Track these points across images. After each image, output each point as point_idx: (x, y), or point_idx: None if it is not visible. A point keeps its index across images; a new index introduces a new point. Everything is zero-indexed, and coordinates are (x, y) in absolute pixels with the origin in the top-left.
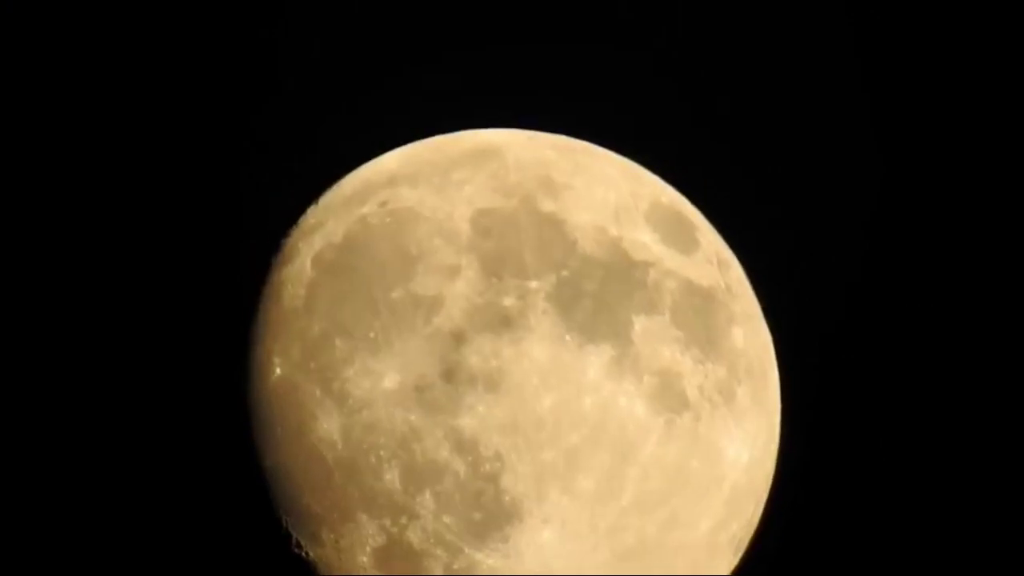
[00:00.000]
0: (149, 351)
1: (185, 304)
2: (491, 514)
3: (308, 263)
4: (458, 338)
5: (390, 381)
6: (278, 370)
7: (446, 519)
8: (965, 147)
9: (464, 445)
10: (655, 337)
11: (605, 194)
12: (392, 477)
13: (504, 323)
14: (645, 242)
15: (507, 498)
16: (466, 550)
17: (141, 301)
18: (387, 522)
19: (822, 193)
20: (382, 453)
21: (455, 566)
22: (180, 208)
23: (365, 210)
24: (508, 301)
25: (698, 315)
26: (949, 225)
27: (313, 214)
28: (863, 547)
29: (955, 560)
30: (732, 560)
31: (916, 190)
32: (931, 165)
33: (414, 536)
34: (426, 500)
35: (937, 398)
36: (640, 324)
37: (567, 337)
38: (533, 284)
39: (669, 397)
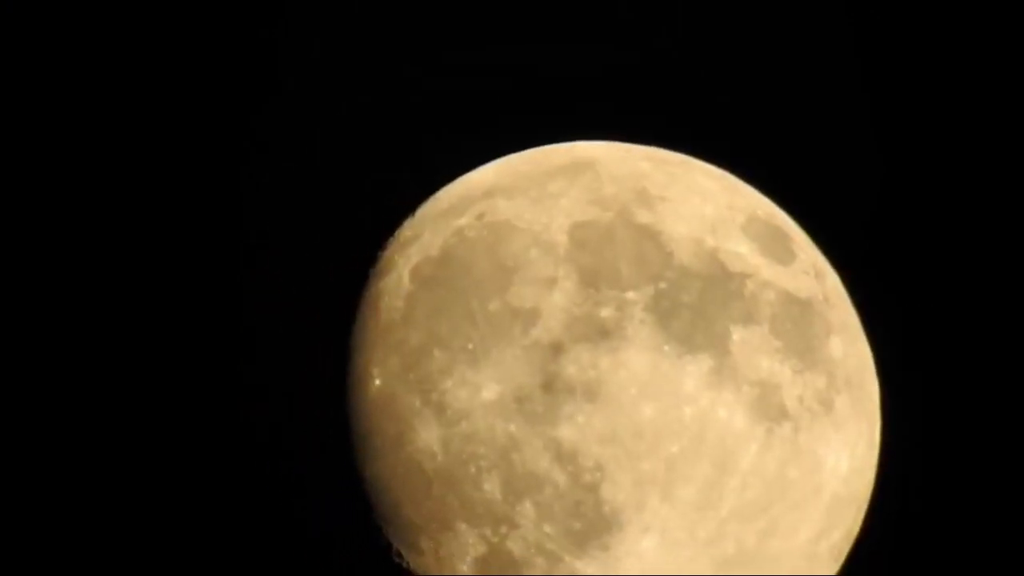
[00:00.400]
0: (250, 361)
1: (285, 317)
2: (591, 523)
3: (405, 275)
4: (556, 349)
5: (489, 392)
6: (377, 381)
7: (546, 528)
8: None
9: (564, 455)
10: (753, 347)
11: (701, 206)
12: (492, 487)
13: (602, 334)
14: (742, 253)
15: (607, 507)
16: (566, 559)
17: (242, 312)
18: (487, 531)
19: (917, 205)
20: (482, 463)
21: (555, 574)
22: (279, 220)
23: (462, 222)
24: (605, 312)
25: (796, 325)
26: None
27: (410, 226)
28: (965, 555)
29: None
30: (832, 569)
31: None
32: None
33: (514, 545)
34: (526, 510)
35: None
36: (738, 334)
37: (665, 347)
38: (630, 295)
39: (768, 407)
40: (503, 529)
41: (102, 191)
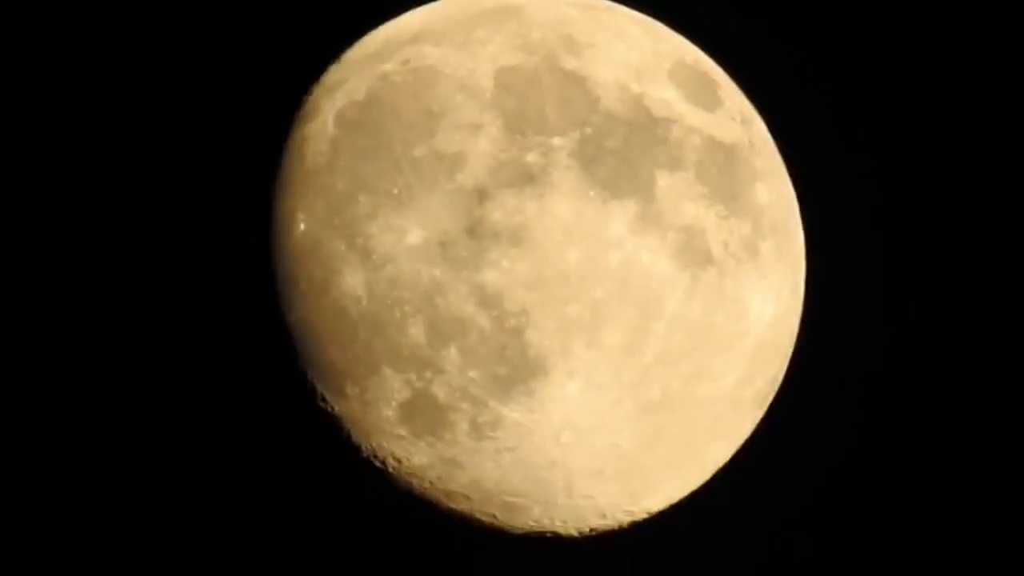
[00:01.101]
0: (173, 207)
1: (206, 161)
2: (516, 368)
3: (331, 120)
4: (481, 194)
5: (413, 237)
6: (302, 226)
7: (471, 373)
8: None
9: (488, 300)
10: (679, 193)
11: (627, 52)
12: (417, 331)
13: (527, 179)
14: (668, 99)
15: (532, 352)
16: (491, 404)
17: (163, 157)
18: (412, 376)
19: (846, 49)
20: (406, 308)
21: (480, 420)
22: (202, 65)
23: (388, 68)
24: (531, 158)
25: (721, 171)
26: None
27: (335, 71)
28: (888, 398)
29: (976, 429)
30: (757, 415)
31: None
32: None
33: (439, 390)
34: (451, 355)
35: (967, 258)
36: (663, 180)
37: (591, 193)
38: (556, 141)
39: (693, 253)
40: (428, 374)
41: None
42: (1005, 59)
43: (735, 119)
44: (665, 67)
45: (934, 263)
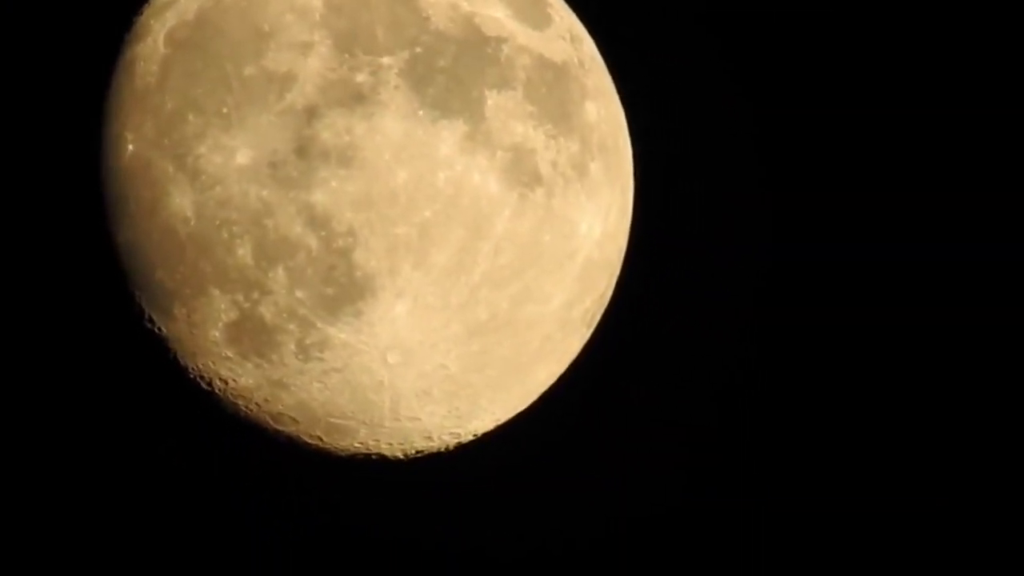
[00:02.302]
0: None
1: (35, 83)
2: (344, 289)
3: (160, 40)
4: (310, 114)
5: (243, 157)
6: (131, 147)
7: (299, 294)
8: None
9: (317, 220)
10: (508, 112)
11: None
12: (244, 252)
13: (357, 99)
14: (498, 18)
15: (359, 273)
16: (319, 325)
17: None
18: (239, 297)
19: None
20: (235, 229)
21: (307, 341)
22: None
23: None
24: (361, 77)
25: (551, 90)
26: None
27: None
28: (711, 317)
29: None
30: (585, 334)
31: None
32: None
33: (266, 311)
34: (279, 275)
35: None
36: (493, 99)
37: (420, 113)
38: (385, 60)
39: (522, 172)
40: (255, 295)
41: None
42: None
43: (564, 38)
44: None
45: (762, 185)
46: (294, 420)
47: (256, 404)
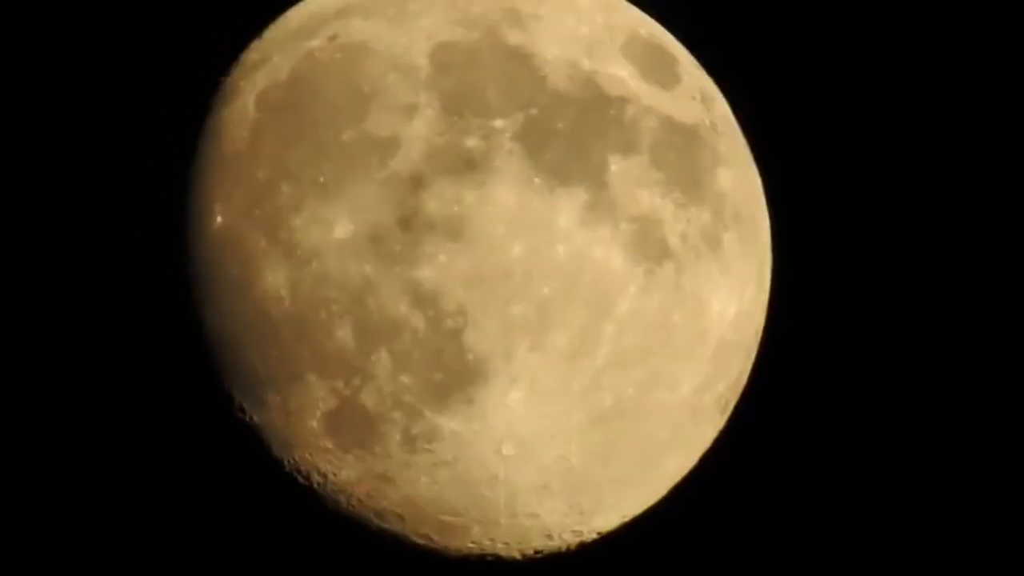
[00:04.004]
0: (86, 198)
1: (119, 150)
2: (454, 374)
3: (251, 102)
4: (416, 182)
5: (342, 229)
6: (219, 218)
7: (404, 379)
8: None
9: (424, 298)
10: (633, 179)
11: (577, 25)
12: (344, 334)
13: (467, 165)
14: (622, 77)
15: (471, 356)
16: (426, 413)
17: (77, 144)
18: (339, 383)
19: (818, 26)
20: (334, 308)
21: (414, 431)
22: (113, 45)
23: (313, 44)
24: (471, 142)
25: (680, 155)
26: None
27: (256, 49)
28: (858, 402)
29: (951, 408)
30: (719, 421)
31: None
32: None
33: (368, 398)
34: (382, 359)
35: (939, 245)
36: (616, 165)
37: (536, 180)
38: (498, 123)
39: (649, 245)
40: (356, 380)
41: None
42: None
43: (695, 98)
44: (618, 41)
45: (909, 255)
46: (400, 517)
47: (358, 499)
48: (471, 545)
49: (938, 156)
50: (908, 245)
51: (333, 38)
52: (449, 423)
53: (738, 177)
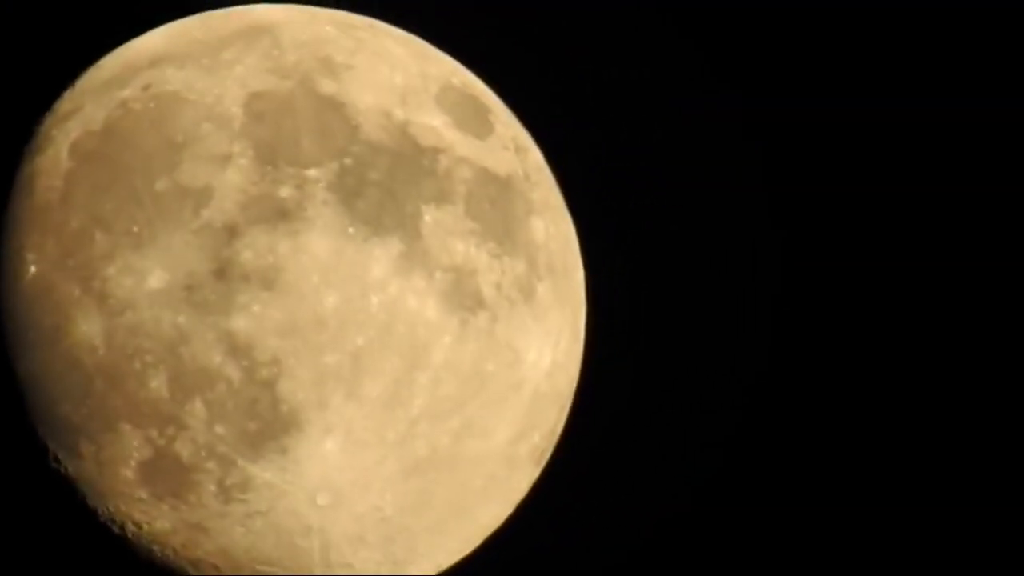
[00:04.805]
0: None
1: None
2: (268, 424)
3: (64, 152)
4: (230, 232)
5: (156, 280)
6: (32, 268)
7: (218, 429)
8: None
9: (238, 349)
10: (447, 229)
11: (391, 75)
12: (159, 384)
13: (281, 215)
14: (435, 126)
15: (285, 406)
16: (240, 463)
17: None
18: (153, 433)
19: (626, 72)
20: (148, 358)
21: (228, 481)
22: None
23: (126, 94)
24: (285, 191)
25: (494, 205)
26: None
27: (69, 98)
28: (674, 451)
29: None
30: (534, 472)
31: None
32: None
33: (183, 448)
34: (196, 409)
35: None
36: (430, 215)
37: (350, 230)
38: (312, 172)
39: (463, 295)
40: (170, 430)
41: None
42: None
43: (508, 148)
44: (432, 91)
45: (729, 304)
46: (215, 567)
47: (173, 549)
48: None
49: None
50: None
51: (146, 87)
52: (263, 473)
53: (552, 227)
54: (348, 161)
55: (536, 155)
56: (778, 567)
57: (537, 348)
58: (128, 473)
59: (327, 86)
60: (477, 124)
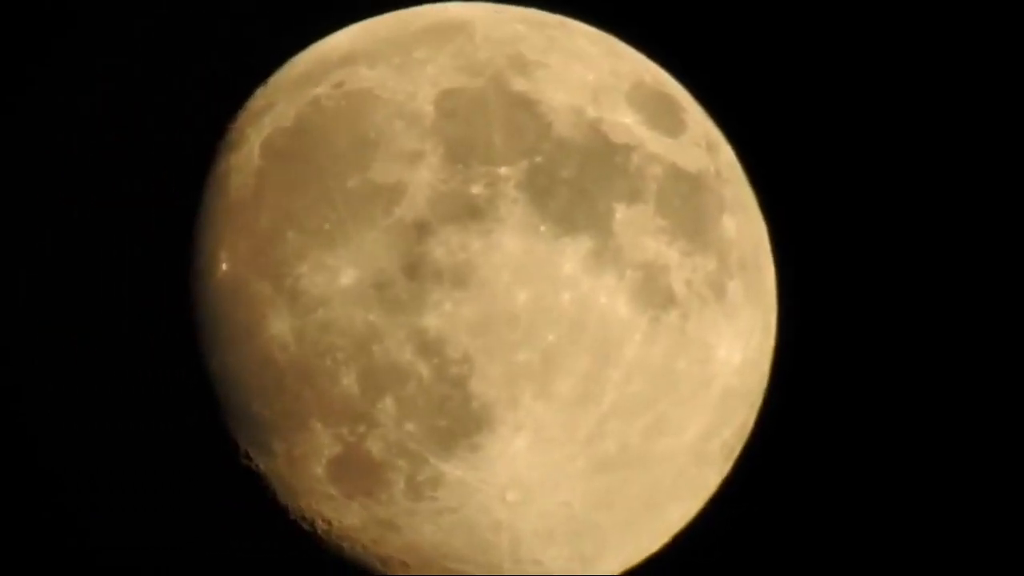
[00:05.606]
0: (90, 243)
1: (123, 196)
2: (459, 421)
3: (256, 149)
4: (421, 230)
5: (347, 277)
6: (224, 266)
7: (409, 427)
8: None
9: (429, 346)
10: (638, 227)
11: (583, 73)
12: (350, 381)
13: (472, 213)
14: (627, 124)
15: (476, 404)
16: (431, 460)
17: (82, 188)
18: (344, 430)
19: (823, 70)
20: (339, 355)
21: (419, 478)
22: (119, 86)
23: (319, 91)
24: (476, 189)
25: (686, 203)
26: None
27: (262, 95)
28: (862, 452)
29: (958, 471)
30: (723, 468)
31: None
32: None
33: (373, 446)
34: (387, 406)
35: (948, 297)
36: (622, 213)
37: (541, 228)
38: (503, 171)
39: (654, 293)
40: (361, 428)
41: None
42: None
43: (700, 145)
44: (624, 89)
45: (917, 302)
46: (404, 564)
47: (363, 546)
48: None
49: (951, 200)
50: (918, 291)
51: (339, 85)
52: (454, 470)
53: (743, 225)
54: (539, 159)
55: (728, 152)
56: None
57: (728, 345)
58: (319, 470)
59: (519, 84)
60: (669, 121)
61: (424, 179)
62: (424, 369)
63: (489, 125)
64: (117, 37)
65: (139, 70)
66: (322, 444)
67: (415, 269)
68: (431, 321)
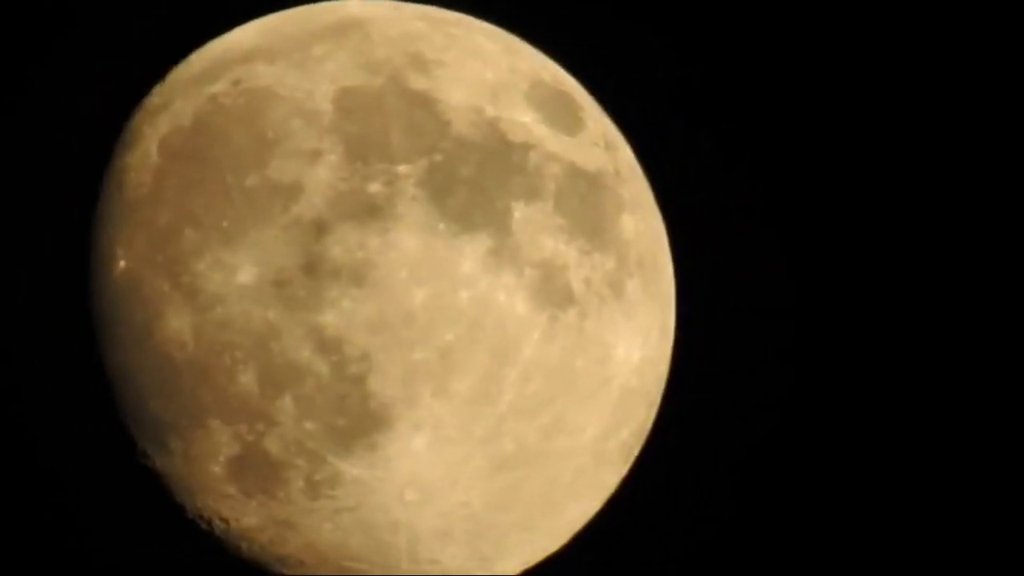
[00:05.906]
0: None
1: (17, 193)
2: (357, 420)
3: (154, 148)
4: (320, 228)
5: (245, 275)
6: (122, 263)
7: (307, 425)
8: None
9: (327, 344)
10: (537, 226)
11: (481, 71)
12: (248, 380)
13: (370, 211)
14: (525, 123)
15: (374, 402)
16: (329, 459)
17: None
18: (242, 429)
19: (719, 67)
20: (237, 353)
21: (317, 477)
22: (14, 86)
23: (217, 89)
24: (374, 187)
25: (584, 202)
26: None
27: (159, 93)
28: (761, 449)
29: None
30: (622, 469)
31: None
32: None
33: (272, 444)
34: (285, 405)
35: (854, 283)
36: (520, 212)
37: (440, 226)
38: (402, 169)
39: (552, 291)
40: (260, 426)
41: None
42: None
43: (598, 144)
44: (522, 87)
45: (816, 304)
46: (302, 563)
47: (260, 546)
48: None
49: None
50: (820, 287)
51: (236, 83)
52: (352, 469)
53: (642, 224)
54: (438, 157)
55: (626, 152)
56: None
57: (626, 344)
58: (217, 469)
59: (418, 82)
60: (567, 120)
61: (322, 177)
62: (322, 367)
63: (388, 123)
64: (20, 32)
65: (36, 68)
66: (220, 443)
67: (313, 267)
68: (329, 319)
